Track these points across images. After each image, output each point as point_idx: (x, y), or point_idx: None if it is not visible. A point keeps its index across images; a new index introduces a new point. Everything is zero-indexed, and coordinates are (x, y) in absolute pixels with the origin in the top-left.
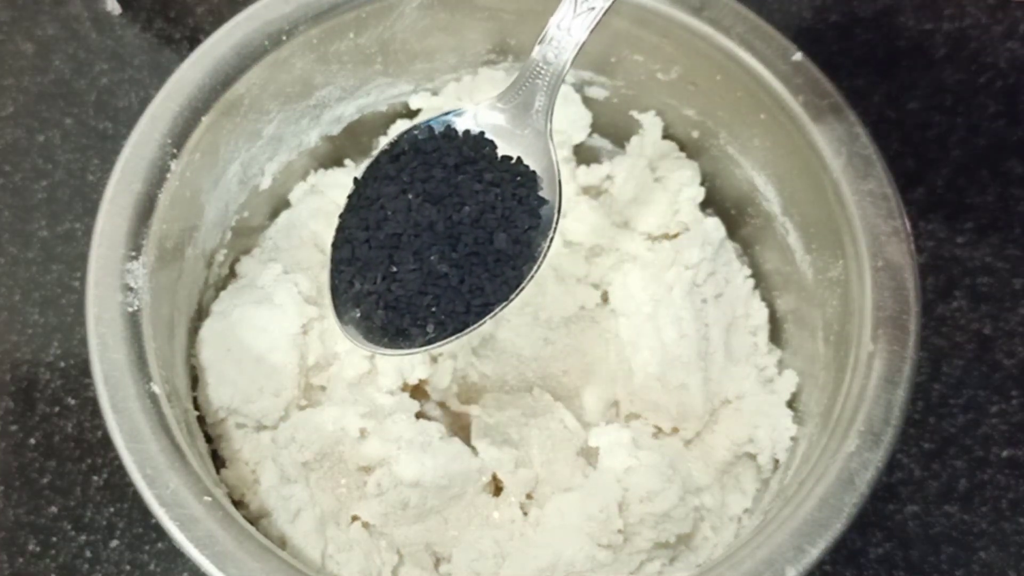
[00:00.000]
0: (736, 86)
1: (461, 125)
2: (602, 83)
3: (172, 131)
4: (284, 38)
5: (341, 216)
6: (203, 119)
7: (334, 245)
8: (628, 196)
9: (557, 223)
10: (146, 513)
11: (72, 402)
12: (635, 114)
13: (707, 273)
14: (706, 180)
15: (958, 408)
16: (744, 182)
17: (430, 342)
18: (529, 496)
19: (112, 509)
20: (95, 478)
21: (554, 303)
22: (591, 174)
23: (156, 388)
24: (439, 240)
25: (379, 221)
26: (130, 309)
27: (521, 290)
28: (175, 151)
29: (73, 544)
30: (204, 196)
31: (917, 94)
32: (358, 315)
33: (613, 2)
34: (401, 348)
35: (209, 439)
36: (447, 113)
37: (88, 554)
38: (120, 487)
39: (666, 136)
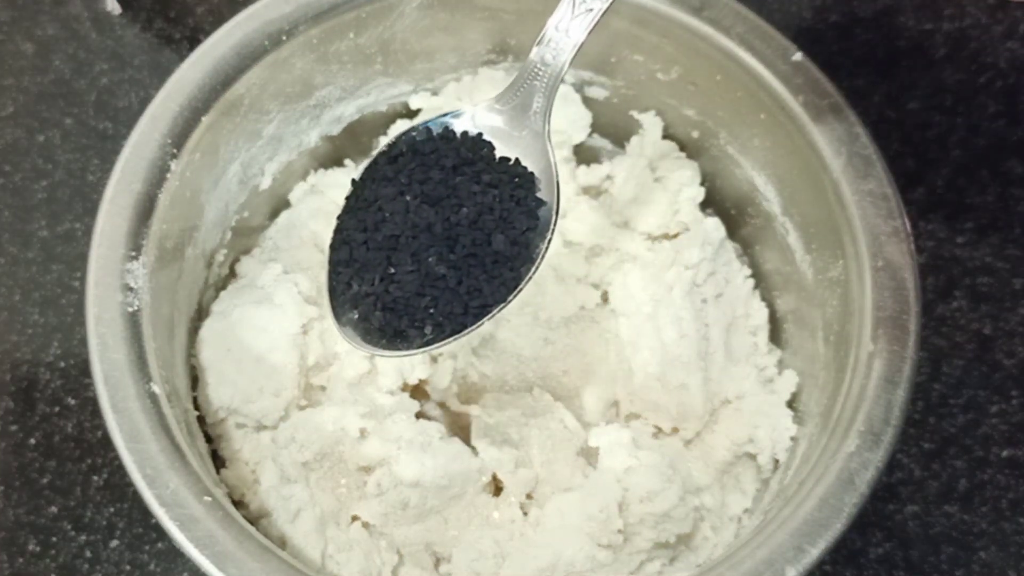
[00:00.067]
0: (736, 86)
1: (459, 126)
2: (602, 83)
3: (172, 131)
4: (284, 38)
5: (339, 218)
6: (203, 119)
7: (332, 247)
8: (628, 196)
9: (555, 224)
10: (146, 513)
11: (72, 402)
12: (635, 114)
13: (707, 273)
14: (706, 180)
15: (958, 408)
16: (744, 182)
17: (428, 343)
18: (529, 496)
19: (112, 509)
20: (95, 478)
21: (554, 303)
22: (591, 174)
23: (156, 388)
24: (437, 241)
25: (377, 223)
26: (130, 309)
27: (519, 291)
28: (175, 151)
29: (73, 544)
30: (204, 196)
31: (917, 94)
32: (356, 316)
33: (611, 3)
34: (399, 349)
35: (209, 439)
36: (445, 114)
37: (88, 554)
38: (120, 487)
39: (666, 136)
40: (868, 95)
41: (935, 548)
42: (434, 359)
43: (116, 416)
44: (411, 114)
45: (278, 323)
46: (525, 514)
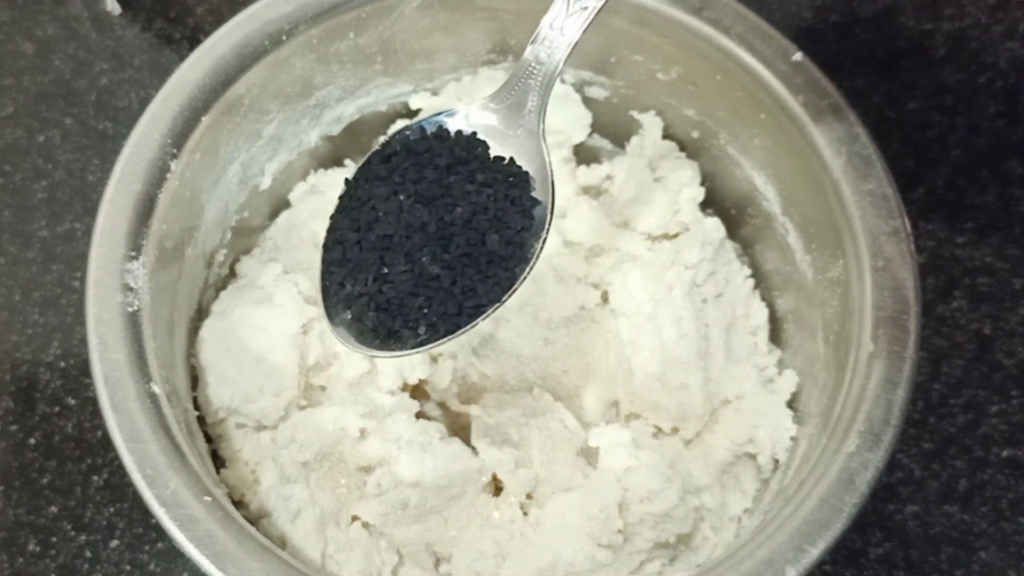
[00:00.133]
0: (736, 86)
1: (453, 126)
2: (602, 83)
3: (172, 131)
4: (284, 38)
5: (332, 217)
6: (203, 119)
7: (325, 246)
8: (628, 196)
9: (550, 224)
10: (146, 513)
11: (72, 402)
12: (635, 114)
13: (707, 273)
14: (706, 180)
15: (958, 408)
16: (744, 182)
17: (422, 344)
18: (529, 496)
19: (112, 509)
20: (95, 478)
21: (554, 303)
22: (591, 174)
23: (156, 388)
24: (431, 241)
25: (370, 222)
26: (130, 309)
27: (513, 291)
28: (175, 151)
29: (73, 544)
30: (204, 196)
31: (917, 94)
32: (349, 317)
33: (606, 2)
34: (393, 350)
35: (209, 439)
36: (439, 114)
37: (88, 554)
38: (120, 487)
39: (666, 136)
40: (868, 95)
41: (935, 548)
42: (434, 359)
43: (116, 416)
44: (411, 114)
45: (278, 323)
46: (525, 514)
